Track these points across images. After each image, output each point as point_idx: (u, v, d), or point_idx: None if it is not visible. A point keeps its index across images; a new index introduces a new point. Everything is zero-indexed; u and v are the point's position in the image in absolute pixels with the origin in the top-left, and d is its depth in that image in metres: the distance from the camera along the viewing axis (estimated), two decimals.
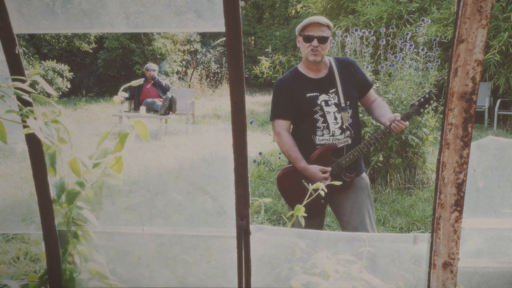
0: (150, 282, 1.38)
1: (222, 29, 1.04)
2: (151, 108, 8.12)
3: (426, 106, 2.33)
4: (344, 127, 2.36)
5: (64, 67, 13.27)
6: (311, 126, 2.36)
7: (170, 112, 8.12)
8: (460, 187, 1.05)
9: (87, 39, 14.25)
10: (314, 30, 2.31)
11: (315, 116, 2.35)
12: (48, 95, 10.87)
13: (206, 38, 17.25)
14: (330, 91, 2.37)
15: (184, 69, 15.58)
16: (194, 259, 1.36)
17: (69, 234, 1.29)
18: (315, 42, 2.30)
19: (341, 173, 2.35)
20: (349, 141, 2.37)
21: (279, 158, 5.13)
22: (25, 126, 1.10)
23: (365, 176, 2.48)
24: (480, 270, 1.28)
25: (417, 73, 4.73)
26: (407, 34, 5.09)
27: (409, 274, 1.24)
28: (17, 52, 1.19)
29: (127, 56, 14.42)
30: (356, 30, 4.78)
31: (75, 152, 1.16)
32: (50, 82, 12.61)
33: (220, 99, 13.92)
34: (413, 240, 1.21)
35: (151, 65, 8.46)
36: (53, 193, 1.27)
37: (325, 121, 2.34)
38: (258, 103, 13.21)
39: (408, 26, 8.85)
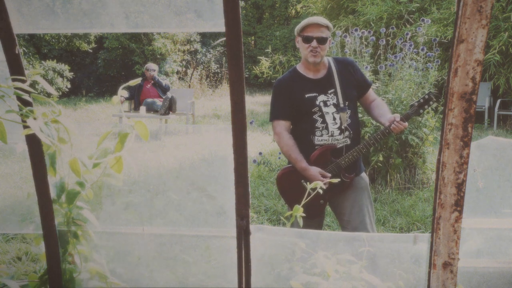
0: (150, 282, 1.38)
1: (222, 29, 1.04)
2: (151, 108, 8.12)
3: (426, 107, 2.33)
4: (343, 127, 2.36)
5: (64, 67, 13.27)
6: (310, 127, 2.36)
7: (170, 112, 8.12)
8: (460, 187, 1.05)
9: (87, 39, 14.25)
10: (313, 31, 2.31)
11: (313, 117, 2.35)
12: (48, 95, 10.88)
13: (206, 38, 17.25)
14: (329, 92, 2.37)
15: (184, 69, 15.59)
16: (194, 259, 1.36)
17: (69, 234, 1.29)
18: (314, 43, 2.30)
19: (340, 173, 2.36)
20: (348, 141, 2.37)
21: (279, 158, 5.13)
22: (25, 126, 1.10)
23: (364, 176, 2.48)
24: (480, 270, 1.28)
25: (417, 73, 4.73)
26: (407, 34, 5.09)
27: (409, 274, 1.24)
28: (17, 52, 1.19)
29: (127, 56, 14.41)
30: (356, 30, 4.78)
31: (75, 152, 1.16)
32: (50, 82, 12.61)
33: (220, 99, 13.92)
34: (413, 240, 1.21)
35: (151, 65, 8.46)
36: (53, 193, 1.27)
37: (324, 121, 2.35)
38: (258, 103, 13.21)
39: (408, 26, 8.85)
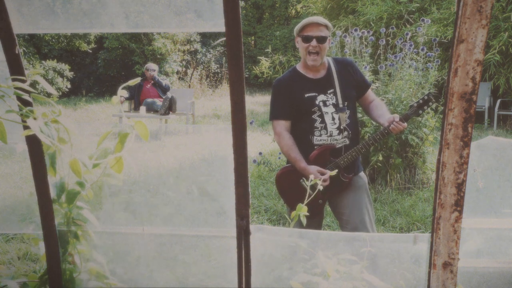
0: (150, 282, 1.38)
1: (222, 29, 1.04)
2: (151, 108, 8.12)
3: (425, 107, 2.33)
4: (342, 127, 2.36)
5: (64, 67, 13.27)
6: (309, 126, 2.36)
7: (170, 112, 8.12)
8: (460, 187, 1.05)
9: (87, 39, 14.25)
10: (313, 30, 2.31)
11: (313, 116, 2.35)
12: (48, 95, 10.88)
13: (206, 38, 17.25)
14: (328, 92, 2.37)
15: (184, 69, 15.58)
16: (194, 259, 1.36)
17: (69, 234, 1.29)
18: (313, 42, 2.30)
19: (339, 173, 2.36)
20: (347, 142, 2.38)
21: (279, 158, 5.13)
22: (25, 126, 1.10)
23: (363, 175, 2.49)
24: (480, 270, 1.28)
25: (417, 73, 4.72)
26: (407, 34, 5.09)
27: (409, 274, 1.24)
28: (17, 52, 1.19)
29: (127, 56, 14.41)
30: (356, 30, 4.78)
31: (75, 152, 1.16)
32: (51, 82, 12.61)
33: (220, 99, 13.92)
34: (413, 240, 1.21)
35: (151, 65, 8.46)
36: (53, 193, 1.27)
37: (323, 121, 2.35)
38: (258, 103, 13.21)
39: (408, 26, 8.85)
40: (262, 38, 18.69)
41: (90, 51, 14.86)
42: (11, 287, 1.30)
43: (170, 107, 8.08)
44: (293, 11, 19.66)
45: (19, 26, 1.19)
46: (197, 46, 16.19)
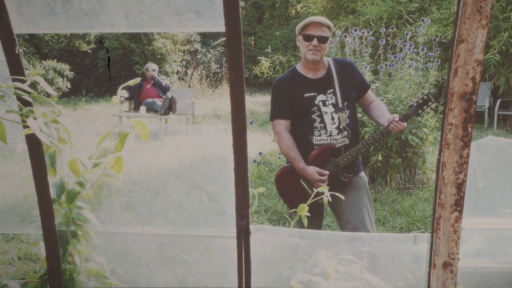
0: (150, 282, 1.38)
1: (222, 29, 1.04)
2: (151, 108, 8.12)
3: (424, 107, 2.33)
4: (341, 127, 2.36)
5: (64, 67, 13.27)
6: (308, 126, 2.36)
7: (170, 112, 8.12)
8: (460, 187, 1.05)
9: (87, 39, 14.25)
10: (315, 29, 2.31)
11: (312, 116, 2.35)
12: (48, 95, 10.88)
13: (206, 38, 17.25)
14: (328, 92, 2.37)
15: (184, 69, 15.58)
16: (194, 259, 1.36)
17: (69, 234, 1.29)
18: (315, 42, 2.31)
19: (339, 173, 2.36)
20: (347, 141, 2.38)
21: (279, 158, 5.13)
22: (25, 126, 1.10)
23: (363, 175, 2.49)
24: (480, 270, 1.28)
25: (417, 73, 4.72)
26: (407, 34, 5.09)
27: (409, 274, 1.24)
28: (17, 52, 1.19)
29: (127, 56, 14.41)
30: (356, 30, 4.78)
31: (75, 152, 1.16)
32: (51, 82, 12.61)
33: (220, 99, 13.92)
34: (413, 240, 1.21)
35: (151, 65, 8.45)
36: (53, 193, 1.27)
37: (322, 121, 2.35)
38: (258, 103, 13.20)
39: (408, 26, 8.85)
40: (262, 38, 18.68)
41: (90, 51, 14.85)
42: (11, 287, 1.30)
43: (170, 107, 8.08)
44: (293, 11, 19.66)
45: (19, 26, 1.19)
46: (197, 46, 16.19)
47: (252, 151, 5.95)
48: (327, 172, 2.32)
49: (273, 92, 2.48)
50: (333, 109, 2.36)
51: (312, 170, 2.30)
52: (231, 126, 1.10)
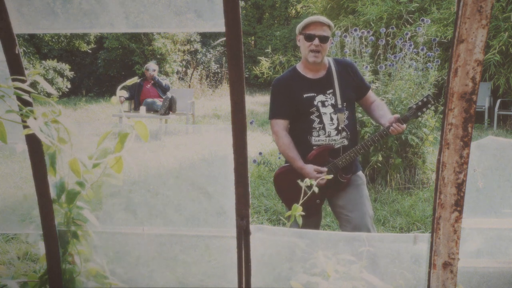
0: (150, 282, 1.38)
1: (222, 29, 1.04)
2: (151, 108, 8.12)
3: (424, 109, 2.33)
4: (340, 128, 2.36)
5: (64, 66, 13.26)
6: (307, 127, 2.36)
7: (170, 112, 8.12)
8: (460, 187, 1.05)
9: (87, 39, 14.24)
10: (316, 29, 2.31)
11: (311, 117, 2.36)
12: (48, 95, 10.88)
13: (206, 38, 17.25)
14: (328, 92, 2.37)
15: (184, 69, 15.58)
16: (194, 259, 1.36)
17: (69, 234, 1.29)
18: (316, 41, 2.30)
19: (338, 173, 2.36)
20: (346, 142, 2.38)
21: (279, 158, 5.13)
22: (25, 126, 1.10)
23: (361, 174, 2.49)
24: (480, 270, 1.28)
25: (417, 73, 4.72)
26: (406, 34, 5.09)
27: (409, 274, 1.24)
28: (17, 52, 1.19)
29: (127, 56, 14.41)
30: (356, 30, 4.78)
31: (75, 152, 1.16)
32: (51, 81, 12.61)
33: (220, 99, 13.92)
34: (413, 240, 1.21)
35: (151, 65, 8.45)
36: (53, 193, 1.27)
37: (321, 122, 2.35)
38: (258, 103, 13.20)
39: (408, 26, 8.85)
40: (262, 38, 18.68)
41: (90, 51, 14.85)
42: (11, 287, 1.30)
43: (170, 107, 8.07)
44: (293, 11, 19.66)
45: (19, 26, 1.19)
46: (197, 46, 16.19)
47: (252, 151, 5.95)
48: (325, 169, 2.32)
49: (272, 92, 2.48)
50: (332, 110, 2.36)
51: (310, 168, 2.31)
52: (231, 126, 1.10)
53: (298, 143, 2.38)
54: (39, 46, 13.78)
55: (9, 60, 1.20)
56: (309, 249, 1.29)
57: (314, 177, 2.29)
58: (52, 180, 1.26)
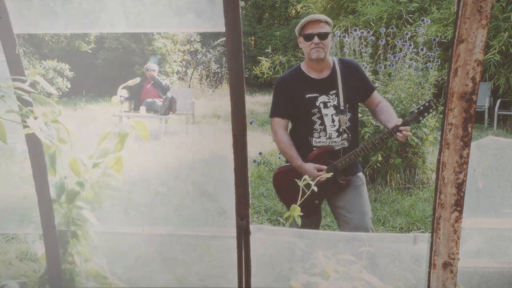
0: (150, 282, 1.38)
1: (222, 29, 1.04)
2: (151, 108, 8.11)
3: (425, 114, 2.30)
4: (341, 130, 2.35)
5: (64, 66, 13.26)
6: (308, 127, 2.35)
7: (170, 112, 8.12)
8: (460, 187, 1.05)
9: (87, 39, 14.24)
10: (313, 27, 2.30)
11: (312, 118, 2.34)
12: (49, 95, 10.87)
13: (206, 38, 17.24)
14: (331, 93, 2.36)
15: (184, 69, 15.58)
16: (194, 259, 1.36)
17: (69, 234, 1.29)
18: (315, 39, 2.29)
19: (337, 175, 2.35)
20: (346, 144, 2.37)
21: (279, 158, 5.13)
22: (25, 126, 1.10)
23: (361, 175, 2.48)
24: (480, 270, 1.28)
25: (417, 73, 4.72)
26: (406, 34, 5.09)
27: (409, 274, 1.24)
28: (17, 52, 1.19)
29: (127, 56, 14.40)
30: (355, 30, 4.78)
31: (75, 152, 1.16)
32: (51, 81, 12.60)
33: (220, 99, 13.92)
34: (413, 240, 1.21)
35: (151, 65, 8.45)
36: (53, 193, 1.27)
37: (323, 123, 2.34)
38: (258, 103, 13.20)
39: (408, 26, 8.85)
40: (262, 38, 18.68)
41: (90, 51, 14.85)
42: (11, 287, 1.30)
43: (170, 107, 8.07)
44: (293, 11, 19.65)
45: (19, 26, 1.19)
46: (197, 46, 16.19)
47: (252, 151, 5.95)
48: (324, 167, 2.31)
49: (275, 90, 2.47)
50: (334, 111, 2.34)
51: (310, 166, 2.30)
52: (231, 126, 1.10)
53: (299, 144, 2.38)
54: (39, 46, 13.78)
55: (9, 60, 1.20)
56: (309, 249, 1.29)
57: (314, 174, 2.28)
58: (52, 180, 1.26)
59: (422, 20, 5.10)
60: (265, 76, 6.10)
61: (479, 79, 0.99)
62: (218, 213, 1.35)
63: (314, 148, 2.35)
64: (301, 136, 2.39)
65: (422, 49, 4.74)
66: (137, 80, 1.37)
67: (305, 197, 1.53)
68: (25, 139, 1.22)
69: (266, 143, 6.60)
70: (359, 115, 4.37)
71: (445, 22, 8.56)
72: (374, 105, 2.49)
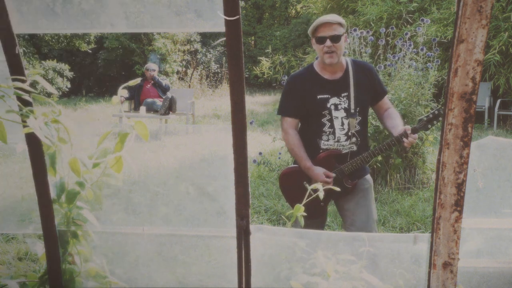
0: (149, 282, 1.38)
1: (222, 29, 1.04)
2: (151, 108, 8.12)
3: (434, 122, 2.26)
4: (350, 133, 2.32)
5: (64, 66, 13.27)
6: (317, 129, 2.32)
7: (170, 112, 8.12)
8: (460, 187, 1.05)
9: (87, 39, 14.25)
10: (325, 30, 2.24)
11: (322, 120, 2.31)
12: (49, 95, 10.88)
13: (206, 38, 17.24)
14: (342, 95, 2.31)
15: (184, 69, 15.58)
16: (194, 259, 1.36)
17: (69, 234, 1.29)
18: (328, 43, 2.23)
19: (343, 179, 2.34)
20: (354, 148, 2.34)
21: (279, 158, 5.13)
22: (25, 126, 1.10)
23: (369, 177, 2.45)
24: (480, 270, 1.28)
25: (417, 73, 4.72)
26: (406, 34, 5.09)
27: (409, 274, 1.24)
28: (17, 52, 1.19)
29: (127, 56, 14.41)
30: (355, 30, 4.78)
31: (75, 152, 1.16)
32: (51, 81, 12.61)
33: (220, 99, 13.92)
34: (413, 240, 1.21)
35: (151, 65, 8.45)
36: (53, 193, 1.27)
37: (332, 126, 2.31)
38: (258, 103, 13.20)
39: (408, 26, 8.85)
40: (262, 38, 18.68)
41: (90, 51, 14.85)
42: (11, 287, 1.30)
43: (170, 107, 8.07)
44: (293, 11, 19.65)
45: (19, 26, 1.19)
46: (197, 46, 16.19)
47: (252, 151, 5.95)
48: (333, 175, 2.29)
49: (285, 88, 2.42)
50: (344, 114, 2.30)
51: (319, 170, 2.27)
52: (231, 126, 1.10)
53: (306, 144, 2.34)
54: (39, 46, 13.78)
55: (9, 60, 1.20)
56: (309, 249, 1.29)
57: (322, 180, 2.25)
58: (52, 180, 1.26)
59: (422, 20, 5.10)
60: (265, 76, 6.11)
61: (479, 79, 0.99)
62: (218, 213, 1.35)
63: (321, 151, 2.33)
64: (309, 137, 2.36)
65: (422, 49, 4.74)
66: (138, 80, 1.37)
67: (311, 198, 1.52)
68: (25, 139, 1.22)
69: (266, 143, 6.60)
70: None
71: (445, 22, 8.56)
72: (383, 109, 2.44)
